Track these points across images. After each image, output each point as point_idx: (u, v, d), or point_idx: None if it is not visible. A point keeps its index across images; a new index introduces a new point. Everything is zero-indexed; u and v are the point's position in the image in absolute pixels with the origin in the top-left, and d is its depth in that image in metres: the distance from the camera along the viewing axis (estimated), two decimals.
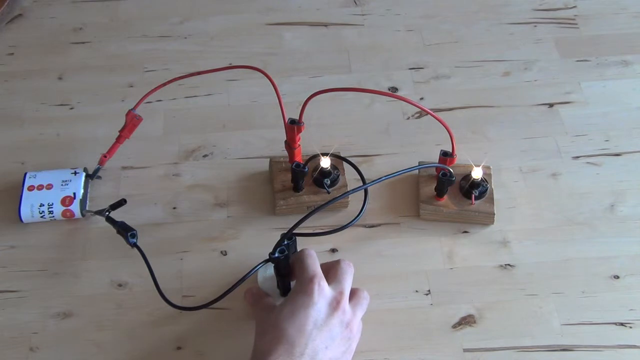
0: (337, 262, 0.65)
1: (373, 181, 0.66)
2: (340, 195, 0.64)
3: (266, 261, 0.66)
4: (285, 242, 0.63)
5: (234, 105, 0.87)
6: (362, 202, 0.68)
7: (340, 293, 0.62)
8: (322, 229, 0.73)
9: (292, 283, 0.67)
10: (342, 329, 0.61)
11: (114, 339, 0.68)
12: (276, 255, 0.63)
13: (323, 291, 0.61)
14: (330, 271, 0.64)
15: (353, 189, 0.64)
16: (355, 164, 0.74)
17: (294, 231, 0.63)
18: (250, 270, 0.65)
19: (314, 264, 0.63)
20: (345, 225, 0.66)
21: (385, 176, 0.66)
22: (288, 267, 0.65)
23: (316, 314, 0.59)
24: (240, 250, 0.74)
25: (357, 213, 0.68)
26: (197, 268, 0.73)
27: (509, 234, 0.75)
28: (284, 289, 0.67)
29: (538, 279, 0.72)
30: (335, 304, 0.61)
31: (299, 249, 0.68)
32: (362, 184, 0.69)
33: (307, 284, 0.61)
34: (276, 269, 0.65)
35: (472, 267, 0.73)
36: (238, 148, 0.83)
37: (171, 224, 0.76)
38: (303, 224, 0.62)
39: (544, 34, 0.94)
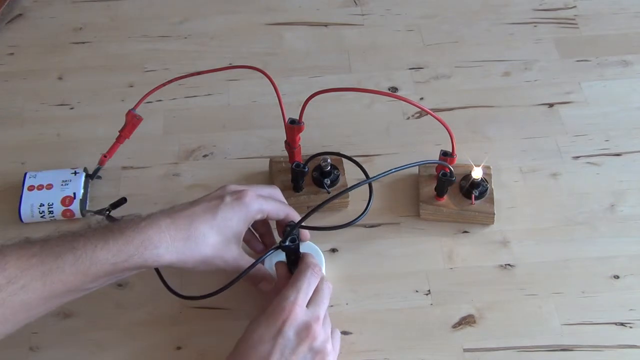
0: (319, 282, 0.62)
1: (381, 174, 0.62)
2: (357, 185, 0.61)
3: (276, 248, 0.65)
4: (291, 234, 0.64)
5: (234, 105, 0.87)
6: (367, 199, 0.67)
7: (317, 318, 0.59)
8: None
9: None
10: (312, 355, 0.58)
11: (114, 338, 0.68)
12: (287, 244, 0.62)
13: (296, 319, 0.57)
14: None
15: (365, 180, 0.62)
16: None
17: (301, 225, 0.63)
18: (260, 257, 0.65)
19: (308, 286, 0.60)
20: (354, 220, 0.65)
21: (394, 169, 0.63)
22: (299, 254, 0.64)
23: (284, 343, 0.56)
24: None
25: (359, 213, 0.68)
26: None
27: (509, 234, 0.75)
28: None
29: (538, 279, 0.72)
30: (307, 331, 0.57)
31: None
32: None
33: (288, 304, 0.58)
34: (287, 257, 0.64)
35: (472, 267, 0.73)
36: (238, 148, 0.83)
37: None
38: (303, 223, 0.62)
39: (544, 34, 0.94)
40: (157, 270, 0.67)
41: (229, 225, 0.61)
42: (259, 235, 0.70)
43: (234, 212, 0.61)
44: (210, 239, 0.60)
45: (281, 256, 0.68)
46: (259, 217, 0.64)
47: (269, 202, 0.65)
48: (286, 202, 0.69)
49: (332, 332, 0.62)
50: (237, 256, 0.62)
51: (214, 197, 0.63)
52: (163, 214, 0.60)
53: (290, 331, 0.57)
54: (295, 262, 0.65)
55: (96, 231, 0.57)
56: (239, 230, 0.62)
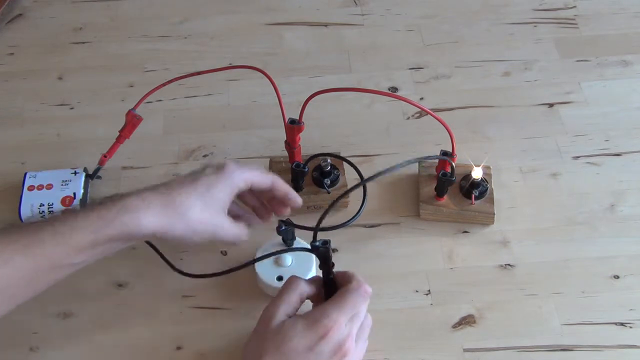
0: (353, 293, 0.60)
1: (376, 174, 0.58)
2: (354, 186, 0.59)
3: (283, 251, 0.66)
4: (283, 228, 0.64)
5: (234, 105, 0.87)
6: (362, 199, 0.67)
7: (351, 335, 0.57)
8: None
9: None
10: None
11: (114, 339, 0.68)
12: (317, 244, 0.58)
13: (333, 337, 0.56)
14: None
15: (361, 182, 0.61)
16: (355, 164, 0.74)
17: (289, 224, 0.64)
18: (268, 254, 0.65)
19: (353, 308, 0.58)
20: (348, 222, 0.65)
21: (388, 168, 0.58)
22: (329, 262, 0.60)
23: (316, 358, 0.56)
24: (241, 250, 0.74)
25: (357, 212, 0.68)
26: (197, 268, 0.73)
27: (509, 234, 0.75)
28: (328, 292, 0.61)
29: (538, 279, 0.72)
30: (340, 348, 0.57)
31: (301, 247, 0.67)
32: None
33: (330, 321, 0.56)
34: (320, 264, 0.61)
35: (472, 267, 0.73)
36: (238, 148, 0.83)
37: None
38: (302, 223, 0.62)
39: (544, 34, 0.94)
40: (153, 246, 0.68)
41: (211, 192, 0.61)
42: (253, 209, 0.71)
43: (217, 180, 0.62)
44: (193, 207, 0.60)
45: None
46: (242, 185, 0.64)
47: (252, 170, 0.65)
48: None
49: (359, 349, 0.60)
50: (225, 225, 0.62)
51: (195, 172, 0.63)
52: (146, 188, 0.61)
53: (325, 348, 0.56)
54: (325, 268, 0.61)
55: (79, 208, 0.58)
56: (222, 199, 0.62)
